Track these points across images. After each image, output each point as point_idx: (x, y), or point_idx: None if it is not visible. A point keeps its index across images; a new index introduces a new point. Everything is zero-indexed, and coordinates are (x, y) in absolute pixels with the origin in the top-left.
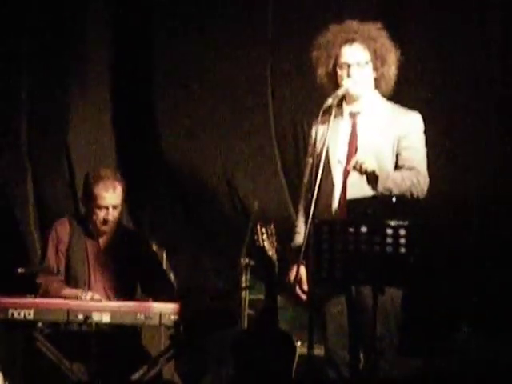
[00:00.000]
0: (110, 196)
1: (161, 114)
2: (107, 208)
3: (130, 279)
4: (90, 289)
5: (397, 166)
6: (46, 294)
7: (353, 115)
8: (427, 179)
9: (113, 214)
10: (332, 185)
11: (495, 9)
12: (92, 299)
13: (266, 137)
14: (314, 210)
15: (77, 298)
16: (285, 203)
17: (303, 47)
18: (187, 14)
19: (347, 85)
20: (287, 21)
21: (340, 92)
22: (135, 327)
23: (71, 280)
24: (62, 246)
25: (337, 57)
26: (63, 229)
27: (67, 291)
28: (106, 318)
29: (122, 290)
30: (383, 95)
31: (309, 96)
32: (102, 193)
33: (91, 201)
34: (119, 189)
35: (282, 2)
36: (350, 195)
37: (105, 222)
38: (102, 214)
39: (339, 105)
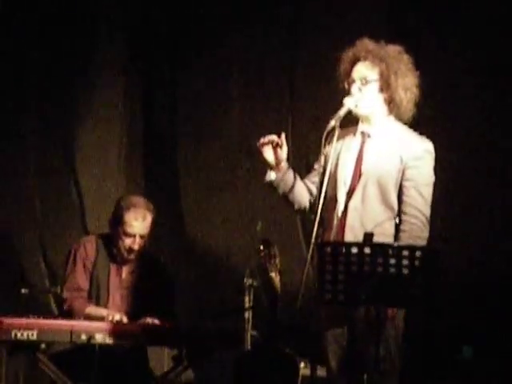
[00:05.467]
0: (139, 225)
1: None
2: (134, 236)
3: (145, 306)
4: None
5: (400, 200)
6: (71, 310)
7: (363, 135)
8: (427, 222)
9: (139, 243)
10: (336, 204)
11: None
12: (120, 321)
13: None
14: (318, 230)
15: (103, 318)
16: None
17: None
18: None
19: (347, 103)
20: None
21: (341, 112)
22: (139, 348)
23: (92, 297)
24: (88, 262)
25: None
26: (91, 246)
27: (92, 309)
28: (109, 339)
29: (137, 316)
30: (399, 120)
31: None
32: (132, 220)
33: (119, 226)
34: (149, 219)
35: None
36: (350, 219)
37: (130, 250)
38: (128, 241)
39: (356, 123)
